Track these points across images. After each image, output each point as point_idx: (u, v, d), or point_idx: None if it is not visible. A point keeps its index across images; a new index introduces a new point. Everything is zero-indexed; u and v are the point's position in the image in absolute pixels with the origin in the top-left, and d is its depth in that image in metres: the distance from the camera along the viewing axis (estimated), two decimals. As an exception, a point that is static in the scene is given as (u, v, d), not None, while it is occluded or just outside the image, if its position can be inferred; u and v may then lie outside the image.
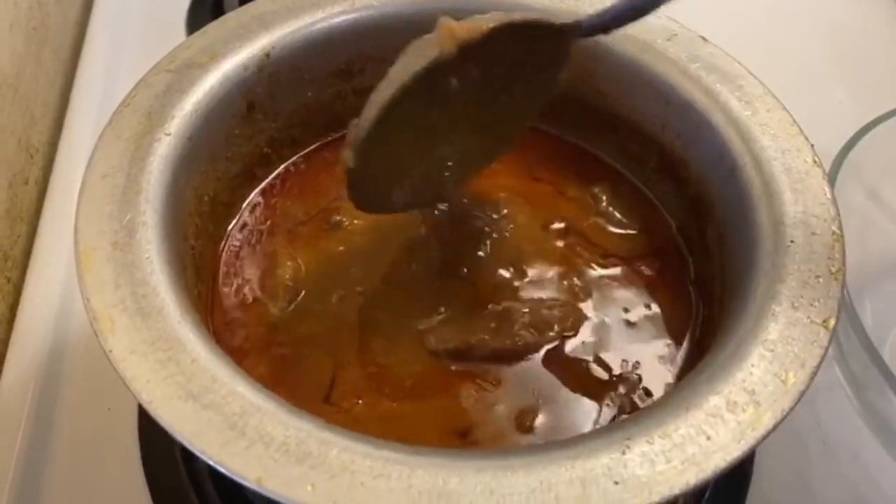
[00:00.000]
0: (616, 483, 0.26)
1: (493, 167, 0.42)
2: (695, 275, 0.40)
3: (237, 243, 0.40)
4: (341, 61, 0.42)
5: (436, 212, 0.41)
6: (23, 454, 0.42)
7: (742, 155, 0.36)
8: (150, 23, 0.66)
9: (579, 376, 0.37)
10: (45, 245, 0.51)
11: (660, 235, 0.42)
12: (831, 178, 0.44)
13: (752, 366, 0.29)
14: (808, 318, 0.31)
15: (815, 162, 0.36)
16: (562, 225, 0.42)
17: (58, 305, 0.48)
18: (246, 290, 0.39)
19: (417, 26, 0.42)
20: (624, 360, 0.37)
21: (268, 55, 0.39)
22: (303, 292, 0.39)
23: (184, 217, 0.35)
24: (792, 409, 0.28)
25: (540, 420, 0.35)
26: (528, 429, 0.35)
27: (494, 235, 0.41)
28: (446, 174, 0.39)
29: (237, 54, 0.39)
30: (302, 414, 0.27)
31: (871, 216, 0.46)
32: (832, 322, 0.31)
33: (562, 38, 0.35)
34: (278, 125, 0.41)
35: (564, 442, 0.28)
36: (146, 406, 0.27)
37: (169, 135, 0.35)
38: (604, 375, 0.36)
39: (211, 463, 0.26)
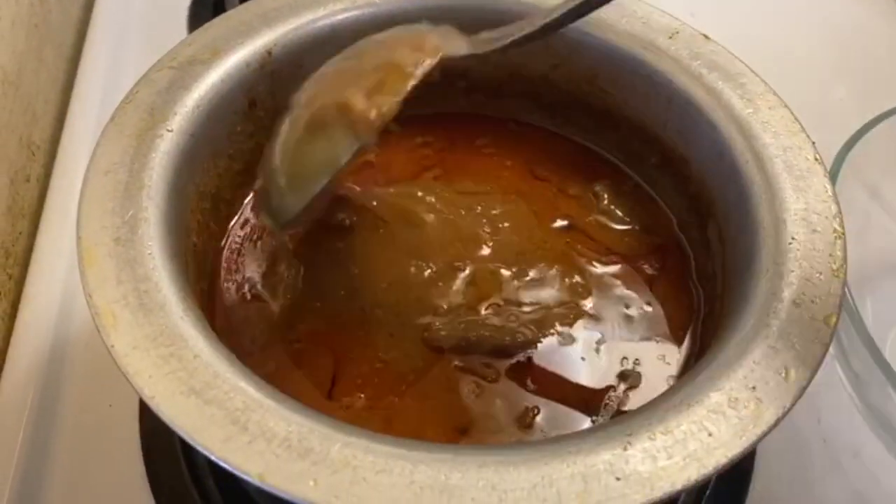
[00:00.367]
0: (618, 479, 0.26)
1: (493, 167, 0.42)
2: (696, 272, 0.40)
3: (238, 240, 0.41)
4: (343, 58, 0.42)
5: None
6: (24, 450, 0.42)
7: (743, 152, 0.36)
8: (152, 20, 0.66)
9: (580, 373, 0.37)
10: (46, 242, 0.52)
11: (661, 233, 0.42)
12: (833, 176, 0.44)
13: (754, 362, 0.29)
14: (810, 315, 0.31)
15: (816, 159, 0.36)
16: (563, 222, 0.42)
17: (59, 302, 0.48)
18: (247, 287, 0.39)
19: (417, 23, 0.42)
20: (625, 357, 0.37)
21: (270, 52, 0.39)
22: (304, 289, 0.39)
23: (186, 213, 0.35)
24: (793, 405, 0.28)
25: (541, 417, 0.35)
26: (529, 425, 0.35)
27: (496, 232, 0.41)
28: None
29: (239, 51, 0.39)
30: (304, 409, 0.27)
31: (872, 214, 0.46)
32: (833, 319, 0.31)
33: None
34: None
35: (566, 438, 0.28)
36: (148, 401, 0.27)
37: (171, 131, 0.35)
38: (604, 372, 0.37)
39: (213, 458, 0.26)
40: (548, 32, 0.36)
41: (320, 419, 0.27)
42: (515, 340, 0.37)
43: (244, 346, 0.36)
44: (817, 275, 0.32)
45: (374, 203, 0.42)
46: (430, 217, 0.41)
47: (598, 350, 0.37)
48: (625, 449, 0.27)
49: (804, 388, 0.29)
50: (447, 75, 0.43)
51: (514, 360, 0.37)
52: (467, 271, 0.39)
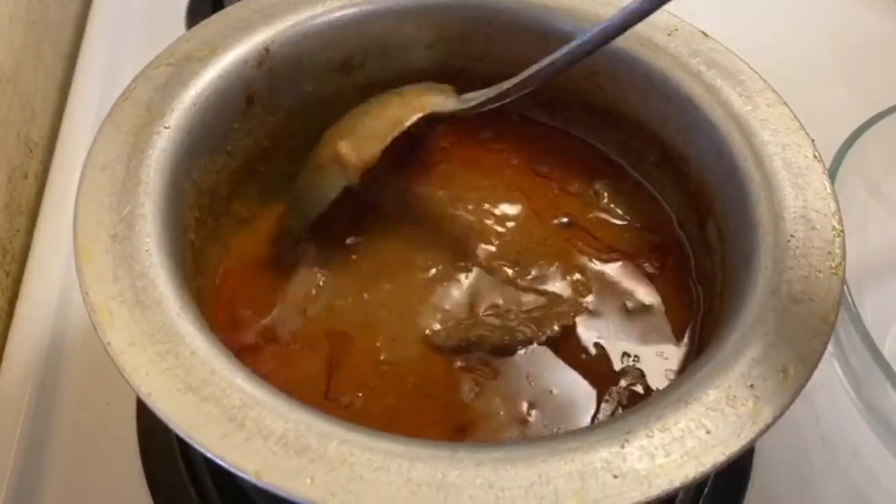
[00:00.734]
0: (615, 476, 0.26)
1: (498, 162, 0.42)
2: (696, 269, 0.40)
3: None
4: (341, 56, 0.42)
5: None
6: (21, 447, 0.42)
7: (742, 150, 0.36)
8: (151, 17, 0.66)
9: (580, 370, 0.37)
10: (44, 239, 0.51)
11: (661, 230, 0.42)
12: (832, 174, 0.44)
13: (752, 360, 0.29)
14: (809, 312, 0.31)
15: (815, 157, 0.36)
16: (564, 220, 0.42)
17: (57, 299, 0.48)
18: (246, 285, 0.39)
19: (418, 21, 0.42)
20: (625, 354, 0.37)
21: (267, 49, 0.39)
22: (307, 288, 0.38)
23: (183, 210, 0.35)
24: (791, 403, 0.28)
25: (540, 414, 0.35)
26: (528, 423, 0.35)
27: (499, 229, 0.41)
28: None
29: (237, 48, 0.38)
30: (301, 407, 0.27)
31: (871, 211, 0.46)
32: (832, 317, 0.31)
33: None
34: (277, 119, 0.41)
35: (564, 435, 0.28)
36: (145, 398, 0.27)
37: (168, 128, 0.35)
38: (604, 369, 0.36)
39: (209, 455, 0.26)
40: (513, 95, 0.38)
41: (317, 416, 0.27)
42: (515, 339, 0.37)
43: (241, 345, 0.36)
44: (816, 272, 0.32)
45: (381, 200, 0.42)
46: (435, 214, 0.41)
47: (597, 347, 0.37)
48: (622, 446, 0.27)
49: (803, 386, 0.29)
50: (447, 73, 0.43)
51: (513, 358, 0.37)
52: (470, 271, 0.39)
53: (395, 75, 0.43)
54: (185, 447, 0.42)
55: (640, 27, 0.40)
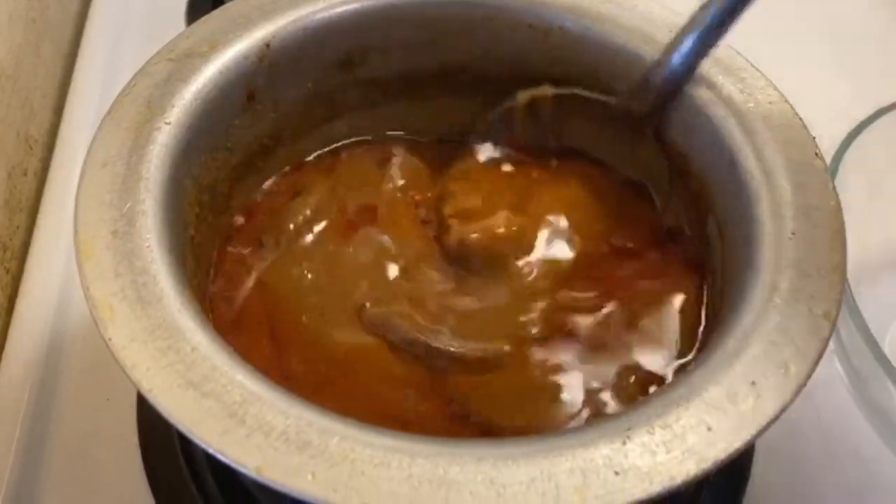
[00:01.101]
0: (616, 473, 0.26)
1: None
2: (696, 267, 0.40)
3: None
4: (342, 52, 0.42)
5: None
6: (21, 445, 0.42)
7: (743, 147, 0.36)
8: (151, 14, 0.66)
9: (580, 368, 0.37)
10: (43, 236, 0.51)
11: (661, 228, 0.42)
12: (833, 171, 0.44)
13: (753, 357, 0.29)
14: (809, 310, 0.31)
15: (816, 154, 0.36)
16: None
17: (57, 296, 0.48)
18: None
19: (419, 17, 0.42)
20: (625, 352, 0.37)
21: (268, 45, 0.39)
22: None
23: (184, 207, 0.35)
24: (793, 400, 0.28)
25: (540, 412, 0.35)
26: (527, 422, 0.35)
27: (497, 228, 0.41)
28: None
29: (237, 44, 0.38)
30: (302, 403, 0.27)
31: (872, 209, 0.46)
32: (833, 314, 0.31)
33: None
34: (278, 115, 0.41)
35: (565, 432, 0.28)
36: (146, 394, 0.27)
37: (169, 124, 0.35)
38: (604, 367, 0.36)
39: (210, 451, 0.26)
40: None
41: (319, 412, 0.27)
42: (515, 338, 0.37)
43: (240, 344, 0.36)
44: (817, 270, 0.32)
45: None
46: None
47: (597, 345, 0.37)
48: (624, 443, 0.27)
49: (804, 383, 0.29)
50: (449, 70, 0.43)
51: (513, 356, 0.36)
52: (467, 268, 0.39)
53: (396, 72, 0.43)
54: (185, 444, 0.42)
55: (642, 24, 0.40)
